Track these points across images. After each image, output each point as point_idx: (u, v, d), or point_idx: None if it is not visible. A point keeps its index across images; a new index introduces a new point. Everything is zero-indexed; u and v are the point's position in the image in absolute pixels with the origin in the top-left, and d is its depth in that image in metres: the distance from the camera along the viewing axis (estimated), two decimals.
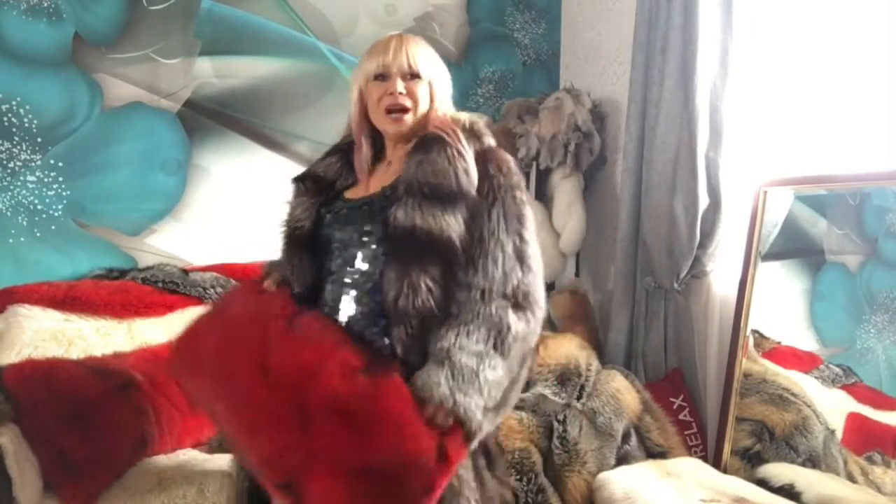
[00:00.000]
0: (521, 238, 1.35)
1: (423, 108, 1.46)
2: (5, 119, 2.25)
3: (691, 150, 2.35)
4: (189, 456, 2.00)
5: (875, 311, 2.04)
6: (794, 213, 2.25)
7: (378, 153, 1.52)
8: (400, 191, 1.35)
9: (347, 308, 1.38)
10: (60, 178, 2.34)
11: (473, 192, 1.34)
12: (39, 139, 2.30)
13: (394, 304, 1.29)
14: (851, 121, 2.11)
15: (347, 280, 1.39)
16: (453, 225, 1.31)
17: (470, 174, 1.35)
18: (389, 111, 1.44)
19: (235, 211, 2.62)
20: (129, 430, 1.87)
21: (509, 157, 1.41)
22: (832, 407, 2.09)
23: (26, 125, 2.28)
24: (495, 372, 1.27)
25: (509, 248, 1.33)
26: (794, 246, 2.26)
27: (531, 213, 1.40)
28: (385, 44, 1.46)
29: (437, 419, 1.21)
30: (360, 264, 1.38)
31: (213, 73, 2.56)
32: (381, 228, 1.36)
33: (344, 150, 1.55)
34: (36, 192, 2.31)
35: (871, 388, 2.03)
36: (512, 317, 1.29)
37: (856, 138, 2.11)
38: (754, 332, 2.29)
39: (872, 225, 2.07)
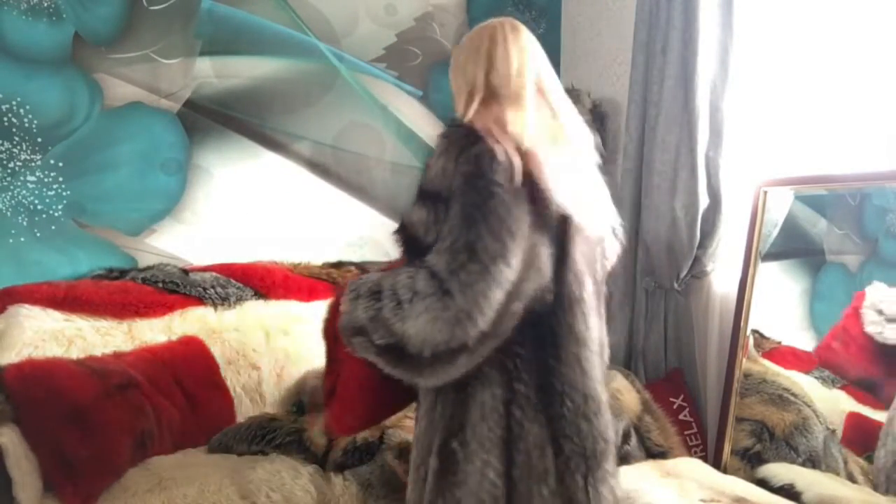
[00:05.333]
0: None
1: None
2: (5, 119, 2.25)
3: (691, 150, 2.35)
4: (189, 456, 1.99)
5: None
6: (794, 213, 2.25)
7: None
8: None
9: None
10: (60, 178, 2.34)
11: (444, 187, 1.20)
12: (39, 139, 2.30)
13: None
14: (851, 121, 2.11)
15: None
16: (417, 216, 1.22)
17: (437, 171, 1.21)
18: None
19: (236, 211, 2.62)
20: (129, 430, 1.87)
21: (476, 151, 1.17)
22: (832, 407, 2.09)
23: (26, 125, 2.28)
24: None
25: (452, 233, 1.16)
26: (794, 246, 2.26)
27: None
28: None
29: None
30: None
31: (213, 73, 2.56)
32: None
33: None
34: (36, 192, 2.30)
35: None
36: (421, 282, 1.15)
37: (856, 138, 2.11)
38: (754, 332, 2.29)
39: (872, 225, 2.07)
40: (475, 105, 1.28)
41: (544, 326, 1.22)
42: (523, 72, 1.32)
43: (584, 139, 1.38)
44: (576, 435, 1.21)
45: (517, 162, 1.16)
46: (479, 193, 1.14)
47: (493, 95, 1.30)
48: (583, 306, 1.25)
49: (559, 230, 1.22)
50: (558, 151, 1.28)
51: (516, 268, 1.14)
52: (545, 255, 1.19)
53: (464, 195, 1.15)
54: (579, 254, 1.26)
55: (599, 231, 1.35)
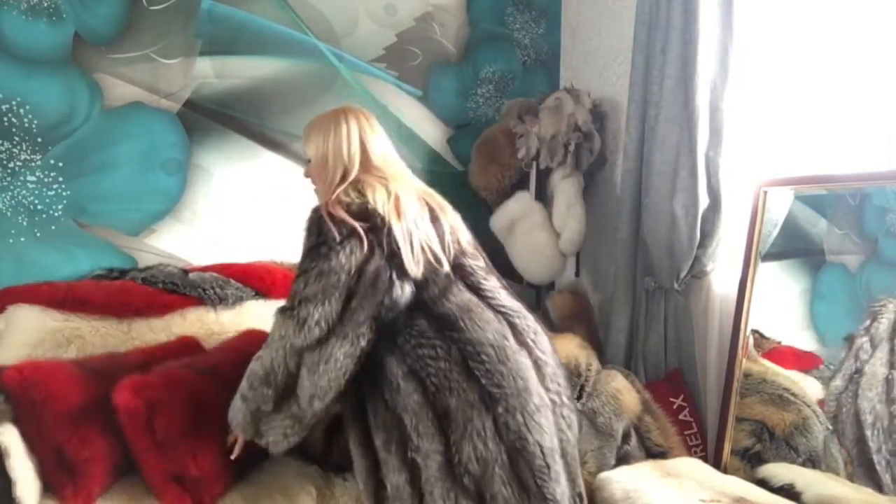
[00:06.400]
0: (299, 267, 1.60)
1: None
2: (5, 119, 2.25)
3: (691, 150, 2.35)
4: None
5: None
6: (794, 213, 2.25)
7: None
8: None
9: None
10: (60, 178, 2.34)
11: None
12: (39, 139, 2.30)
13: None
14: (851, 121, 2.11)
15: None
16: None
17: (303, 251, 1.61)
18: None
19: (235, 211, 2.62)
20: None
21: (318, 226, 1.57)
22: None
23: (26, 125, 2.28)
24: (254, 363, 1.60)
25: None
26: (794, 246, 2.26)
27: (314, 250, 1.57)
28: None
29: None
30: None
31: (213, 73, 2.56)
32: None
33: None
34: (36, 192, 2.31)
35: None
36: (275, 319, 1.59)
37: (856, 138, 2.11)
38: (754, 332, 2.29)
39: (872, 225, 2.07)
40: (346, 183, 1.66)
41: (434, 314, 1.55)
42: (391, 153, 1.77)
43: (430, 193, 1.75)
44: (502, 380, 1.49)
45: (358, 229, 1.53)
46: (317, 252, 1.54)
47: (366, 172, 1.68)
48: (456, 285, 1.61)
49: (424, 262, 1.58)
50: (424, 206, 1.67)
51: (342, 289, 1.50)
52: (386, 276, 1.53)
53: (309, 256, 1.56)
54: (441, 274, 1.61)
55: (462, 244, 1.71)
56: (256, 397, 1.56)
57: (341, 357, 1.48)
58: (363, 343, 1.50)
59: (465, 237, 1.73)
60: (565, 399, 1.61)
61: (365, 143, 1.72)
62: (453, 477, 1.44)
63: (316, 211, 1.60)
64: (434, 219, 1.67)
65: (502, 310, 1.61)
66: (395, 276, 1.54)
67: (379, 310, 1.52)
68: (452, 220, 1.71)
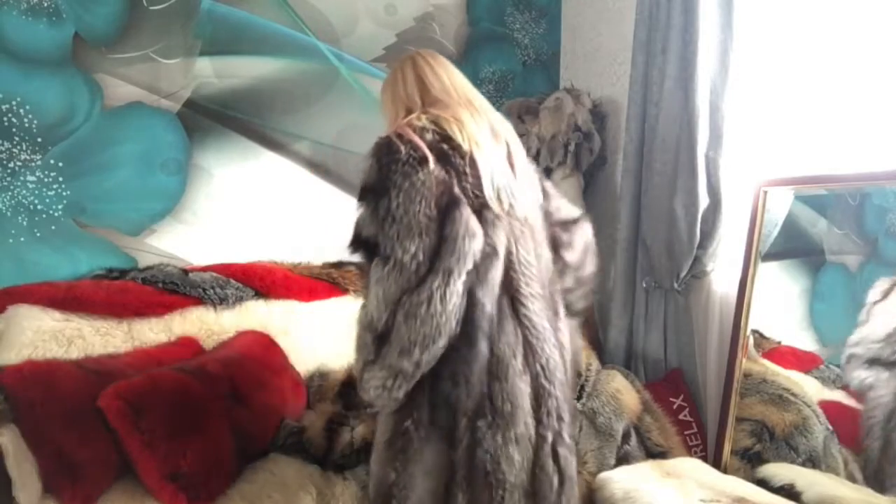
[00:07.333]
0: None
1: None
2: (5, 119, 2.25)
3: (691, 150, 2.35)
4: None
5: None
6: (794, 213, 2.25)
7: None
8: None
9: None
10: (60, 178, 2.34)
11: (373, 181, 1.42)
12: (39, 139, 2.30)
13: None
14: (851, 120, 2.11)
15: None
16: (359, 214, 1.43)
17: (367, 170, 1.43)
18: None
19: (235, 211, 2.62)
20: None
21: (389, 147, 1.41)
22: None
23: (26, 125, 2.28)
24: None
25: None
26: (794, 246, 2.26)
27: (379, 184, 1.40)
28: None
29: None
30: None
31: (213, 73, 2.56)
32: None
33: None
34: (36, 192, 2.31)
35: None
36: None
37: (856, 138, 2.11)
38: (754, 332, 2.29)
39: (872, 225, 2.07)
40: (413, 115, 1.52)
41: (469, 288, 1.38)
42: (451, 87, 1.61)
43: (511, 134, 1.61)
44: (497, 396, 1.37)
45: (427, 154, 1.40)
46: (390, 172, 1.38)
47: (431, 105, 1.56)
48: (488, 275, 1.42)
49: (479, 211, 1.43)
50: (497, 145, 1.53)
51: (425, 218, 1.35)
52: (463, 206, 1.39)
53: (381, 175, 1.39)
54: (500, 232, 1.45)
55: (526, 211, 1.54)
56: (363, 346, 1.39)
57: (448, 296, 1.31)
58: (470, 265, 1.36)
59: (536, 198, 1.58)
60: (566, 436, 1.46)
61: (422, 77, 1.60)
62: (402, 454, 1.39)
63: (384, 137, 1.45)
64: (510, 164, 1.53)
65: (525, 322, 1.45)
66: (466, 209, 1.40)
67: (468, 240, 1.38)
68: (525, 168, 1.57)
